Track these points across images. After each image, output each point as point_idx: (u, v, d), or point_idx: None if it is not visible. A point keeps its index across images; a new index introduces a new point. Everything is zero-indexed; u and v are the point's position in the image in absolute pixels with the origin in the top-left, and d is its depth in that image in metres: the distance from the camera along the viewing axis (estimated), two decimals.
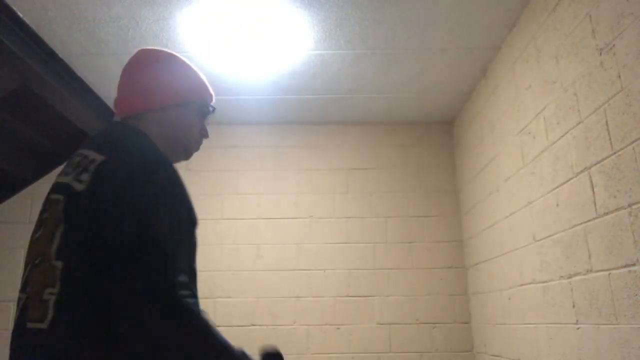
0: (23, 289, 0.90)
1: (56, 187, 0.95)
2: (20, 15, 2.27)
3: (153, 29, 2.40)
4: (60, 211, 0.88)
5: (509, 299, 2.53)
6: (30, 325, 0.82)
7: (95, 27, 2.38)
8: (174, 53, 1.21)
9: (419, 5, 2.26)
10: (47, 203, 0.95)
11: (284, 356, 0.98)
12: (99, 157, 0.91)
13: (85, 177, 0.89)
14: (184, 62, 1.20)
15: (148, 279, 0.77)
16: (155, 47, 1.22)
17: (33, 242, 0.93)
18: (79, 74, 2.80)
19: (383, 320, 3.20)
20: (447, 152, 3.52)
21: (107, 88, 2.96)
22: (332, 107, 3.31)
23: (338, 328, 3.18)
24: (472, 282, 3.15)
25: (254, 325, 3.16)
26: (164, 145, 1.06)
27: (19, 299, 0.90)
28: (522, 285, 2.36)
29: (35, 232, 0.95)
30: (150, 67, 1.16)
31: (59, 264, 0.83)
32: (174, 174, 0.91)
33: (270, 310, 3.19)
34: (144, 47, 1.22)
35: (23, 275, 0.93)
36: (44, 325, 0.79)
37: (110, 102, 3.12)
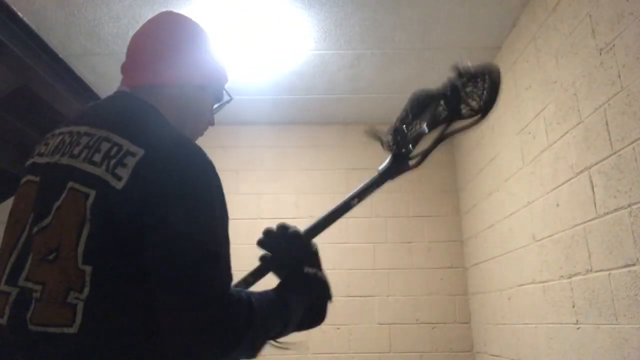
0: (12, 282, 0.79)
1: (77, 175, 0.81)
2: (20, 15, 2.27)
3: None
4: (88, 207, 0.77)
5: (509, 299, 2.52)
6: (51, 329, 0.75)
7: (95, 27, 2.38)
8: (201, 26, 1.09)
9: (419, 5, 2.26)
10: (60, 189, 0.81)
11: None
12: (137, 150, 0.80)
13: (122, 172, 0.78)
14: (210, 40, 1.09)
15: (210, 287, 0.76)
16: (182, 14, 1.08)
17: (38, 231, 0.80)
18: (79, 74, 2.80)
19: (383, 320, 3.20)
20: (447, 152, 3.52)
21: (107, 88, 2.94)
22: (332, 107, 3.31)
23: (338, 328, 3.18)
24: (472, 282, 3.15)
25: None
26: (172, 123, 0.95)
27: (3, 292, 0.80)
28: (522, 285, 2.36)
29: (32, 215, 0.83)
30: (179, 37, 1.04)
31: (87, 268, 0.75)
32: (214, 168, 0.88)
33: None
34: (170, 10, 1.09)
35: (6, 263, 0.82)
36: (72, 330, 0.74)
37: None
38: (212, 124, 1.12)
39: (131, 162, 0.79)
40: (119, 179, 0.78)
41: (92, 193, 0.78)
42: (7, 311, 0.78)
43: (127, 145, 0.81)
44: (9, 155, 2.98)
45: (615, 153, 1.60)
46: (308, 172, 3.48)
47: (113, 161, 0.80)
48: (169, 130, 0.87)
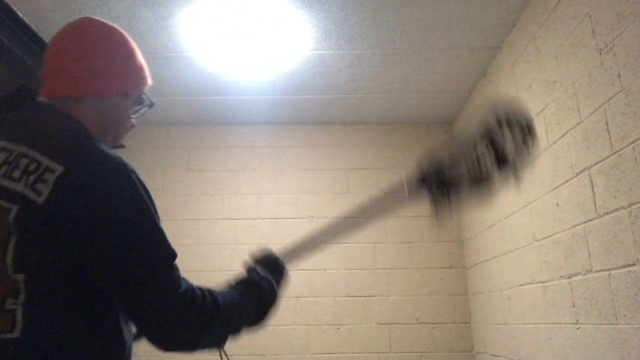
0: None
1: None
2: (20, 15, 2.27)
3: (153, 29, 2.40)
4: (11, 221, 0.81)
5: (509, 299, 2.53)
6: None
7: None
8: (122, 31, 1.07)
9: (419, 5, 2.26)
10: None
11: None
12: (57, 167, 0.83)
13: (42, 187, 0.82)
14: (131, 44, 1.08)
15: (161, 289, 0.85)
16: (101, 19, 1.06)
17: None
18: None
19: (383, 320, 3.20)
20: None
21: None
22: (332, 107, 3.31)
23: (338, 328, 3.18)
24: (472, 282, 3.15)
25: None
26: (94, 133, 0.96)
27: None
28: (522, 285, 2.36)
29: None
30: (98, 44, 1.02)
31: (19, 277, 0.80)
32: (136, 174, 0.91)
33: None
34: (89, 17, 1.06)
35: None
36: (15, 334, 0.78)
37: None
38: (134, 126, 1.12)
39: (50, 178, 0.82)
40: (39, 194, 0.81)
41: (14, 208, 0.82)
42: None
43: (45, 161, 0.84)
44: None
45: (615, 153, 1.60)
46: (308, 172, 3.48)
47: (32, 177, 0.83)
48: (86, 145, 0.89)
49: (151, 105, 1.13)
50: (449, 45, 2.58)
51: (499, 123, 1.01)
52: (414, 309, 3.21)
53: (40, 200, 0.81)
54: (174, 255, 0.88)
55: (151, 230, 0.87)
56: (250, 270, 1.15)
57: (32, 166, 0.84)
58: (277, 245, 3.40)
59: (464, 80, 2.96)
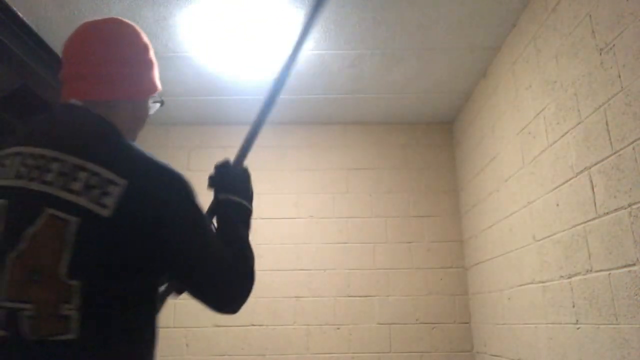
0: None
1: (54, 202, 0.87)
2: (20, 15, 2.27)
3: (153, 29, 2.40)
4: (71, 232, 0.85)
5: (509, 299, 2.53)
6: (51, 338, 0.84)
7: None
8: (145, 36, 1.10)
9: (419, 5, 2.26)
10: (34, 215, 0.86)
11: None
12: (120, 180, 0.88)
13: (106, 201, 0.87)
14: (150, 46, 1.11)
15: (218, 269, 0.98)
16: (131, 23, 1.08)
17: (16, 257, 0.86)
18: None
19: (383, 320, 3.20)
20: (447, 152, 3.52)
21: None
22: (332, 107, 3.31)
23: (338, 328, 3.18)
24: (472, 282, 3.15)
25: (253, 325, 3.16)
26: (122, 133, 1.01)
27: None
28: (522, 285, 2.36)
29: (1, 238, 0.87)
30: (132, 49, 1.05)
31: (75, 283, 0.85)
32: (188, 180, 1.00)
33: (270, 310, 3.19)
34: (118, 18, 1.07)
35: None
36: (72, 336, 0.84)
37: None
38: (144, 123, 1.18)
39: (115, 191, 0.88)
40: (104, 207, 0.86)
41: (74, 220, 0.86)
42: (5, 326, 0.84)
43: (106, 174, 0.88)
44: None
45: (615, 153, 1.60)
46: (308, 172, 3.48)
47: (96, 191, 0.87)
48: (141, 156, 0.95)
49: (162, 103, 1.17)
50: (449, 45, 2.58)
51: None
52: (414, 309, 3.21)
53: (105, 213, 0.86)
54: (222, 257, 0.99)
55: (208, 230, 0.99)
56: (228, 204, 1.17)
57: (94, 180, 0.88)
58: (276, 246, 3.39)
59: (464, 80, 2.97)
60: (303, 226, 3.36)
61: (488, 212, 2.83)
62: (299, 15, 2.32)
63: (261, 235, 3.32)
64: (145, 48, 1.08)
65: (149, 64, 1.09)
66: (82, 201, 0.86)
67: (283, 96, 3.14)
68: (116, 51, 1.03)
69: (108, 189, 0.87)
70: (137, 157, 0.94)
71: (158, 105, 1.16)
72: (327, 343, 3.15)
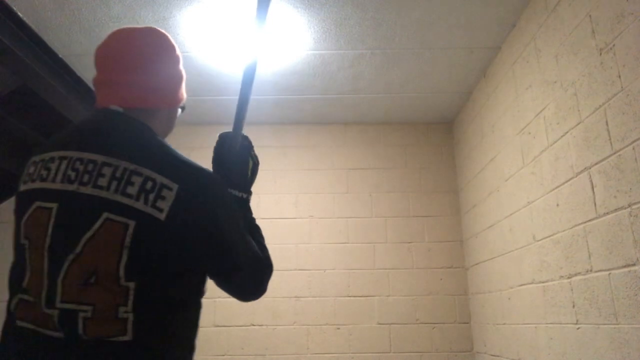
0: (50, 306, 0.87)
1: (111, 206, 0.90)
2: (20, 15, 2.27)
3: None
4: (129, 235, 0.88)
5: (509, 299, 2.53)
6: (107, 339, 0.87)
7: (95, 27, 2.38)
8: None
9: (419, 5, 2.26)
10: (91, 219, 0.89)
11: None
12: (172, 185, 0.92)
13: (162, 204, 0.90)
14: (178, 50, 1.16)
15: (251, 265, 1.06)
16: (167, 34, 1.13)
17: (73, 260, 0.88)
18: (79, 74, 2.80)
19: (383, 320, 3.20)
20: (447, 152, 3.52)
21: None
22: (332, 107, 3.31)
23: (338, 328, 3.18)
24: (472, 282, 3.15)
25: (253, 325, 3.16)
26: None
27: (47, 314, 0.88)
28: (522, 285, 2.36)
29: (49, 241, 0.89)
30: (171, 60, 1.11)
31: (130, 285, 0.88)
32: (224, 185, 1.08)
33: (270, 310, 3.19)
34: (156, 28, 1.11)
35: (40, 288, 0.89)
36: (127, 337, 0.87)
37: None
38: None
39: (169, 195, 0.92)
40: (160, 210, 0.90)
41: (132, 223, 0.89)
42: (59, 329, 0.87)
43: (160, 179, 0.92)
44: (9, 155, 2.98)
45: (615, 153, 1.60)
46: (308, 172, 3.48)
47: (152, 195, 0.91)
48: (187, 161, 1.00)
49: (184, 109, 1.22)
50: (449, 45, 2.58)
51: None
52: (414, 309, 3.21)
53: (162, 216, 0.90)
54: (256, 256, 1.07)
55: (242, 227, 1.06)
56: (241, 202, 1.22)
57: (149, 184, 0.91)
58: (276, 246, 3.39)
59: (464, 80, 2.97)
60: (303, 226, 3.36)
61: (488, 212, 2.83)
62: (299, 15, 2.32)
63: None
64: (179, 60, 1.14)
65: (181, 75, 1.14)
66: (139, 205, 0.90)
67: (283, 96, 3.15)
68: (156, 62, 1.07)
69: (162, 193, 0.91)
70: (182, 162, 0.98)
71: (181, 111, 1.20)
72: (327, 343, 3.15)
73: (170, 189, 0.92)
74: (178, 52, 1.14)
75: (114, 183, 0.91)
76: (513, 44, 2.45)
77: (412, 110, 3.35)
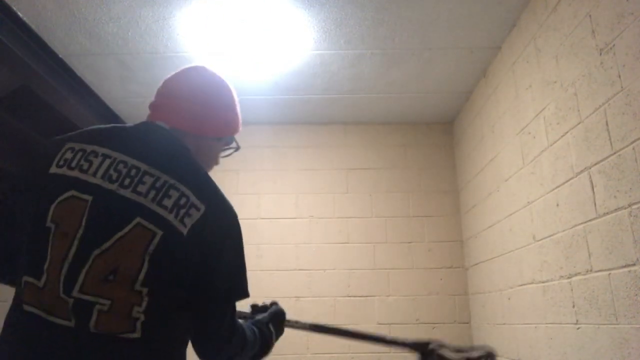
0: (67, 292, 0.90)
1: (145, 213, 0.95)
2: (20, 15, 2.27)
3: (153, 29, 2.40)
4: (155, 243, 0.94)
5: (509, 299, 2.53)
6: (117, 335, 0.92)
7: (95, 27, 2.38)
8: (231, 85, 1.28)
9: (419, 5, 2.26)
10: (124, 220, 0.94)
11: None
12: (201, 206, 1.00)
13: (187, 221, 0.97)
14: (234, 95, 1.27)
15: (229, 321, 1.09)
16: (220, 76, 1.28)
17: (100, 253, 0.92)
18: (79, 74, 2.80)
19: (383, 320, 3.20)
20: (447, 152, 3.52)
21: (107, 88, 2.96)
22: (332, 107, 3.31)
23: None
24: (472, 282, 3.15)
25: None
26: None
27: (61, 300, 0.90)
28: (522, 285, 2.36)
29: (81, 232, 0.93)
30: (222, 97, 1.22)
31: (143, 289, 0.93)
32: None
33: None
34: (213, 72, 1.27)
35: (59, 273, 0.91)
36: (136, 335, 0.92)
37: (110, 102, 3.12)
38: (217, 163, 1.31)
39: (195, 214, 0.99)
40: (185, 225, 0.97)
41: (159, 233, 0.95)
42: (72, 317, 0.90)
43: (192, 197, 1.00)
44: (9, 155, 2.98)
45: (615, 153, 1.60)
46: (308, 172, 3.48)
47: (182, 211, 0.98)
48: (217, 188, 1.08)
49: (237, 149, 1.32)
50: (449, 45, 2.58)
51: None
52: (414, 309, 3.21)
53: (185, 231, 0.97)
54: (248, 294, 1.10)
55: (244, 269, 1.09)
56: (265, 322, 1.39)
57: (182, 200, 0.99)
58: (276, 246, 3.39)
59: (464, 80, 2.97)
60: (303, 226, 3.36)
61: (488, 212, 2.83)
62: (299, 15, 2.32)
63: (261, 235, 3.32)
64: (229, 97, 1.25)
65: (229, 111, 1.24)
66: (170, 217, 0.96)
67: (283, 96, 3.15)
68: (210, 95, 1.19)
69: (190, 211, 0.99)
70: (214, 189, 1.06)
71: (233, 150, 1.31)
72: (327, 343, 3.15)
73: (198, 209, 0.99)
74: (231, 94, 1.25)
75: (153, 192, 0.97)
76: (513, 44, 2.45)
77: (412, 110, 3.35)
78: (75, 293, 0.90)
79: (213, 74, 1.25)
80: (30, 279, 0.93)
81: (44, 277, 0.91)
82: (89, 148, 1.01)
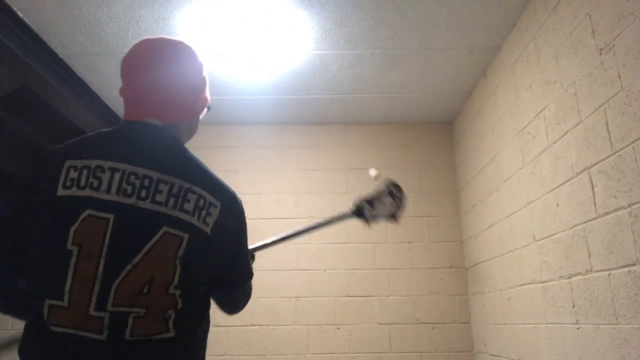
0: (101, 308, 0.92)
1: (169, 221, 0.98)
2: (20, 15, 2.27)
3: (153, 29, 2.40)
4: (183, 247, 0.98)
5: (509, 299, 2.53)
6: (152, 337, 0.95)
7: (95, 27, 2.38)
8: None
9: (419, 5, 2.26)
10: (151, 232, 0.97)
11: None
12: (217, 203, 1.06)
13: (209, 220, 1.03)
14: (198, 56, 1.19)
15: (248, 294, 1.29)
16: (187, 44, 1.17)
17: (132, 268, 0.94)
18: (79, 74, 2.80)
19: (383, 320, 3.20)
20: (447, 152, 3.52)
21: (107, 88, 2.95)
22: (332, 107, 3.31)
23: (338, 328, 3.18)
24: (472, 282, 3.15)
25: (253, 325, 3.16)
26: None
27: (92, 317, 0.91)
28: (522, 285, 2.36)
29: (105, 249, 0.94)
30: (200, 76, 1.17)
31: (177, 291, 0.98)
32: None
33: (270, 310, 3.19)
34: (181, 41, 1.15)
35: (90, 292, 0.92)
36: (171, 334, 0.97)
37: (110, 102, 3.12)
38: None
39: (215, 212, 1.05)
40: (208, 225, 1.03)
41: (186, 236, 0.99)
42: (105, 330, 0.92)
43: (208, 197, 1.05)
44: (9, 155, 2.98)
45: (615, 153, 1.60)
46: (308, 172, 3.48)
47: (203, 212, 1.03)
48: (220, 179, 1.13)
49: (209, 109, 1.27)
50: (449, 45, 2.58)
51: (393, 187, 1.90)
52: (414, 309, 3.21)
53: (208, 230, 1.03)
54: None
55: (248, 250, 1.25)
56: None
57: (201, 202, 1.03)
58: (276, 246, 3.40)
59: (464, 80, 2.96)
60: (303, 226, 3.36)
61: (488, 212, 2.83)
62: (299, 15, 2.32)
63: (261, 235, 3.32)
64: (202, 67, 1.18)
65: (205, 82, 1.20)
66: (194, 220, 1.01)
67: (283, 96, 3.15)
68: (187, 79, 1.13)
69: (210, 210, 1.04)
70: (221, 183, 1.12)
71: (206, 111, 1.26)
72: (327, 343, 3.15)
73: (215, 206, 1.05)
74: (200, 61, 1.18)
75: (172, 200, 1.00)
76: (513, 44, 2.45)
77: (412, 110, 3.35)
78: (109, 307, 0.92)
79: (181, 47, 1.14)
80: (54, 302, 0.92)
81: (67, 297, 0.92)
82: (93, 163, 0.98)
